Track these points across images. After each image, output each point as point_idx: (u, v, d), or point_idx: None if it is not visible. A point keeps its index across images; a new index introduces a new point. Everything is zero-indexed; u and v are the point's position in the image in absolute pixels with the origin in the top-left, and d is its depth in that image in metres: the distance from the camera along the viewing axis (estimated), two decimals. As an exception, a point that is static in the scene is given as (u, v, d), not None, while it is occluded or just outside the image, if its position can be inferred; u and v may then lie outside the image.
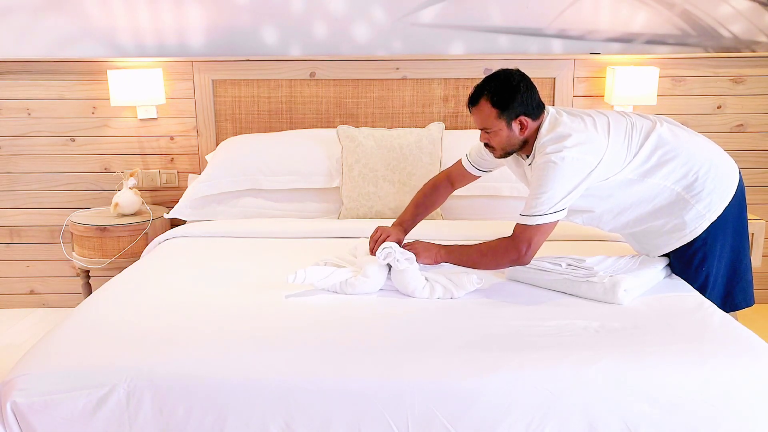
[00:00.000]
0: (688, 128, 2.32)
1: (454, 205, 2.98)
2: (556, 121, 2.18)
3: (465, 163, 2.50)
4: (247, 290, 2.16)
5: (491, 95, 2.16)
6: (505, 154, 2.27)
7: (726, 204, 2.20)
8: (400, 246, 2.28)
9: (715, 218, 2.19)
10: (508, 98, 2.15)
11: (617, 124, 2.20)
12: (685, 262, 2.25)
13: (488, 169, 2.49)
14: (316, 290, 2.15)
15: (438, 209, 2.94)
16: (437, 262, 2.30)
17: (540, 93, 2.16)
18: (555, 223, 2.15)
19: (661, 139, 2.19)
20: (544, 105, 2.23)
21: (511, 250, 2.16)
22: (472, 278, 2.12)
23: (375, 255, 2.21)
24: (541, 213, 2.10)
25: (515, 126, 2.18)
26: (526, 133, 2.19)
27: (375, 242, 2.34)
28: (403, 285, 2.13)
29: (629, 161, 2.17)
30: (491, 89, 2.17)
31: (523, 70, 2.23)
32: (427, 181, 2.62)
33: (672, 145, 2.19)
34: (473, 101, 2.21)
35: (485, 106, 2.18)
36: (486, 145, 2.27)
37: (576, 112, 2.26)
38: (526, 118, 2.17)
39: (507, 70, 2.22)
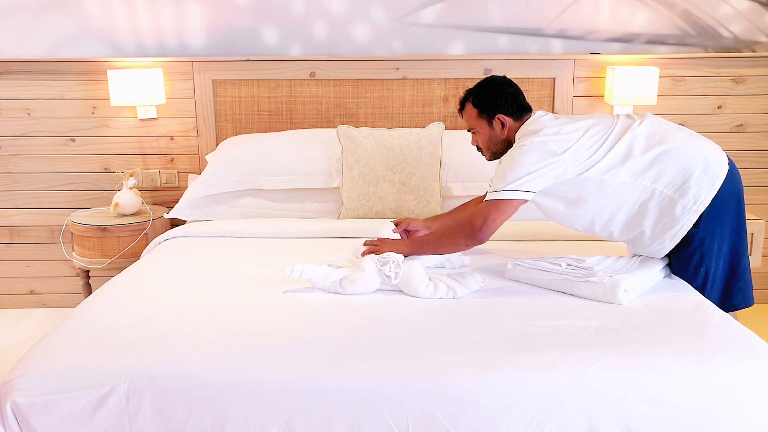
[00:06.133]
0: (669, 122, 2.33)
1: (456, 204, 2.97)
2: (537, 120, 2.30)
3: None
4: (248, 290, 2.16)
5: (473, 97, 2.39)
6: (494, 156, 2.41)
7: (714, 194, 2.17)
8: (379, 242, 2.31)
9: (702, 210, 2.17)
10: (488, 98, 2.35)
11: (600, 124, 2.25)
12: (684, 262, 2.25)
13: None
14: (316, 290, 2.15)
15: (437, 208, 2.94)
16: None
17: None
18: (514, 204, 2.16)
19: (637, 136, 2.21)
20: (530, 108, 2.38)
21: (465, 226, 2.20)
22: (476, 277, 2.11)
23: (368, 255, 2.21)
24: (499, 189, 2.16)
25: (496, 125, 2.35)
26: (507, 132, 2.34)
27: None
28: (406, 283, 2.13)
29: (601, 157, 2.18)
30: (474, 92, 2.39)
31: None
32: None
33: (651, 141, 2.21)
34: (461, 106, 2.44)
35: (468, 107, 2.40)
36: (477, 148, 2.44)
37: (564, 116, 2.34)
38: (504, 116, 2.31)
39: (493, 76, 2.43)
